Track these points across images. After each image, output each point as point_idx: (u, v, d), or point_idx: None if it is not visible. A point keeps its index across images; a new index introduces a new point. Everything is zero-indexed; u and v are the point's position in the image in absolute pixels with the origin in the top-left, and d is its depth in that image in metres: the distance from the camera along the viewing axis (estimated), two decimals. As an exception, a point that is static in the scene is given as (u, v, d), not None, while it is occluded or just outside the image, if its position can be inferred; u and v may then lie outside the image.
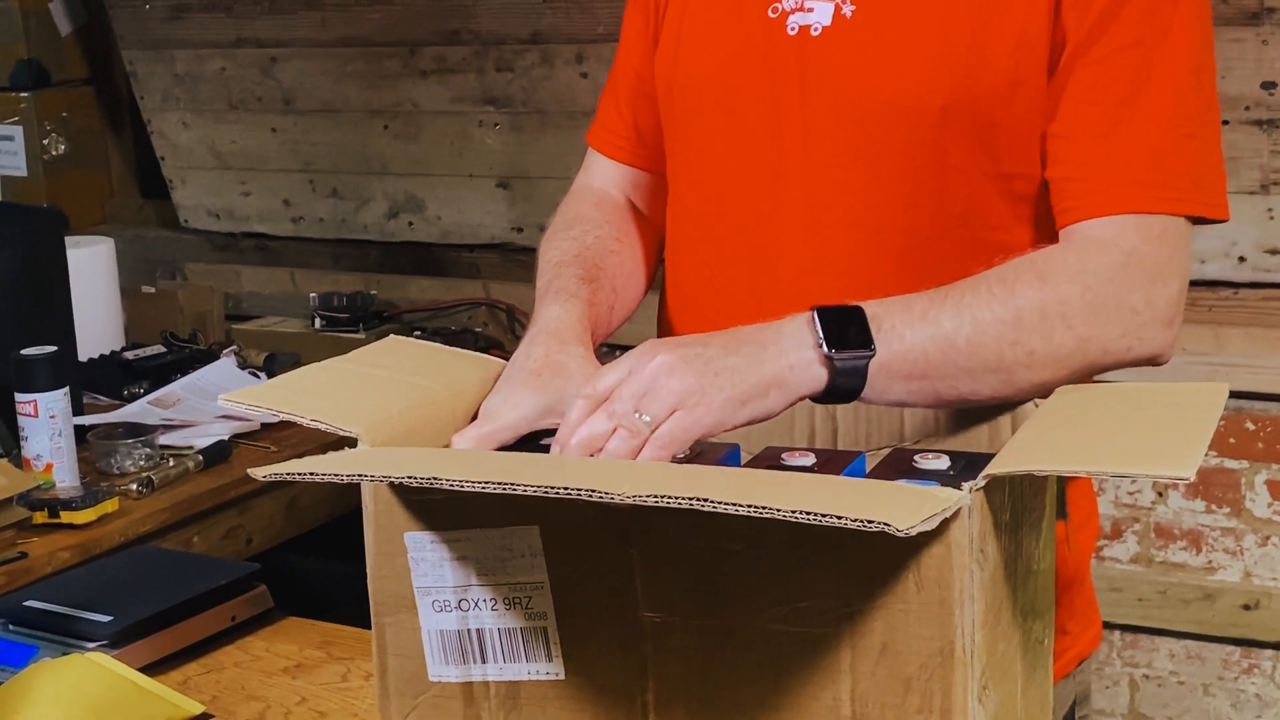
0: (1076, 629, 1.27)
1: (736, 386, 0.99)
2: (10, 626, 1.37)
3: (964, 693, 0.86)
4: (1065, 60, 1.11)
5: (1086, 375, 1.08)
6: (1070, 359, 1.06)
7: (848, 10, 1.16)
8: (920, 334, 1.03)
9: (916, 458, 0.99)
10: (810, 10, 1.18)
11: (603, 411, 0.98)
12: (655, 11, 1.32)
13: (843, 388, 1.01)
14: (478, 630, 0.98)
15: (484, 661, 0.98)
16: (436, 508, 0.97)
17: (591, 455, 0.98)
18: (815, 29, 1.17)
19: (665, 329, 1.32)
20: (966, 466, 0.97)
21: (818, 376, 1.01)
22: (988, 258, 1.10)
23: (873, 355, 1.01)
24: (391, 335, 1.22)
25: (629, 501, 0.81)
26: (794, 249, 1.18)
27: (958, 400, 1.06)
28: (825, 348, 1.00)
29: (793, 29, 1.18)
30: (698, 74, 1.25)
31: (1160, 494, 2.41)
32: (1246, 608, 2.39)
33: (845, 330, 1.01)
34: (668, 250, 1.32)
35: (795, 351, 1.00)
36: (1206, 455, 2.32)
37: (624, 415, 0.97)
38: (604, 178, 1.38)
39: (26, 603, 1.39)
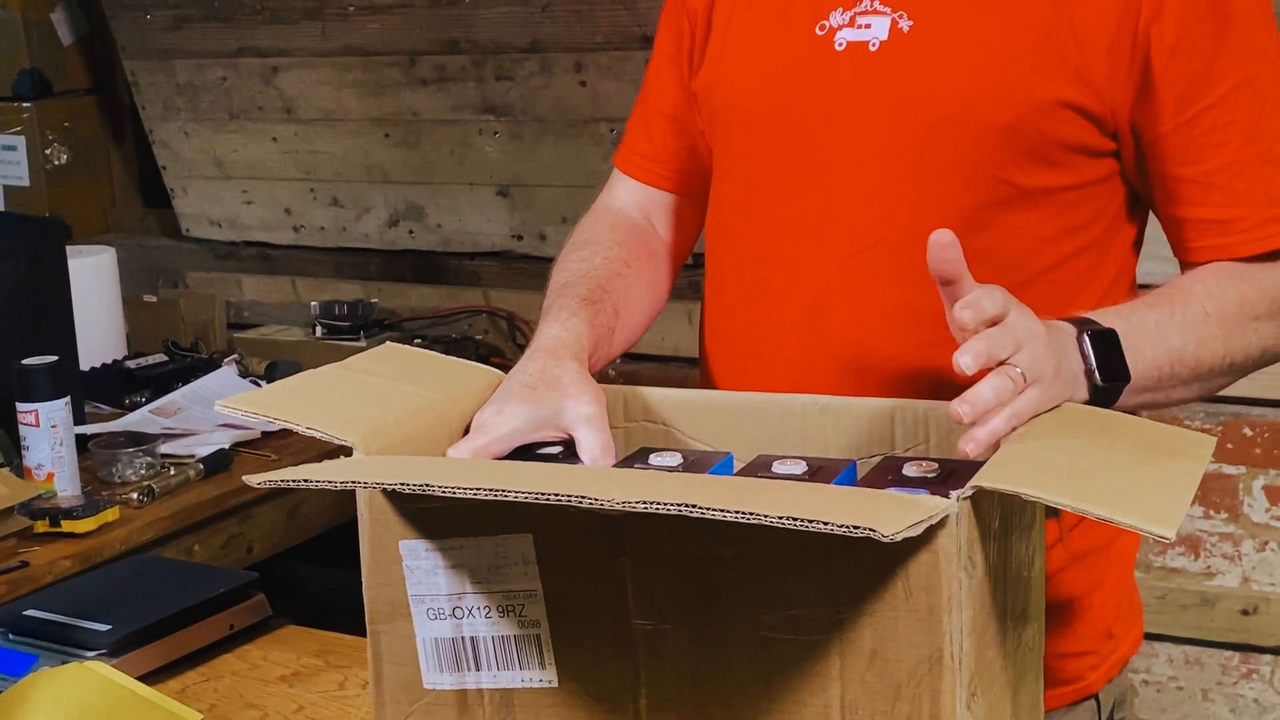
0: (1120, 632, 1.29)
1: (1068, 379, 1.03)
2: (10, 635, 1.38)
3: (952, 699, 0.87)
4: (1175, 105, 1.14)
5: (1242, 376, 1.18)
6: (1249, 364, 1.16)
7: (905, 25, 1.17)
8: (1157, 351, 1.10)
9: (907, 466, 1.00)
10: (865, 27, 1.19)
11: (1002, 375, 0.96)
12: (690, 35, 1.33)
13: (1095, 402, 1.06)
14: (472, 638, 0.98)
15: (478, 669, 0.99)
16: (431, 516, 0.98)
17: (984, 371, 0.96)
18: (873, 44, 1.18)
19: (710, 341, 1.33)
20: (956, 475, 0.97)
21: (1081, 395, 1.05)
22: (1035, 272, 1.17)
23: (1128, 382, 1.07)
24: (388, 342, 1.23)
25: (619, 507, 0.81)
26: (847, 262, 1.19)
27: (1158, 408, 1.14)
28: (1097, 375, 1.05)
29: (841, 45, 1.19)
30: (743, 92, 1.26)
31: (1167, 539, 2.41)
32: (1245, 613, 2.39)
33: (1109, 357, 1.06)
34: (709, 264, 1.33)
35: (1075, 367, 1.05)
36: (1204, 461, 2.33)
37: (1008, 364, 0.97)
38: (626, 198, 1.39)
39: (26, 612, 1.39)
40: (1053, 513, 1.05)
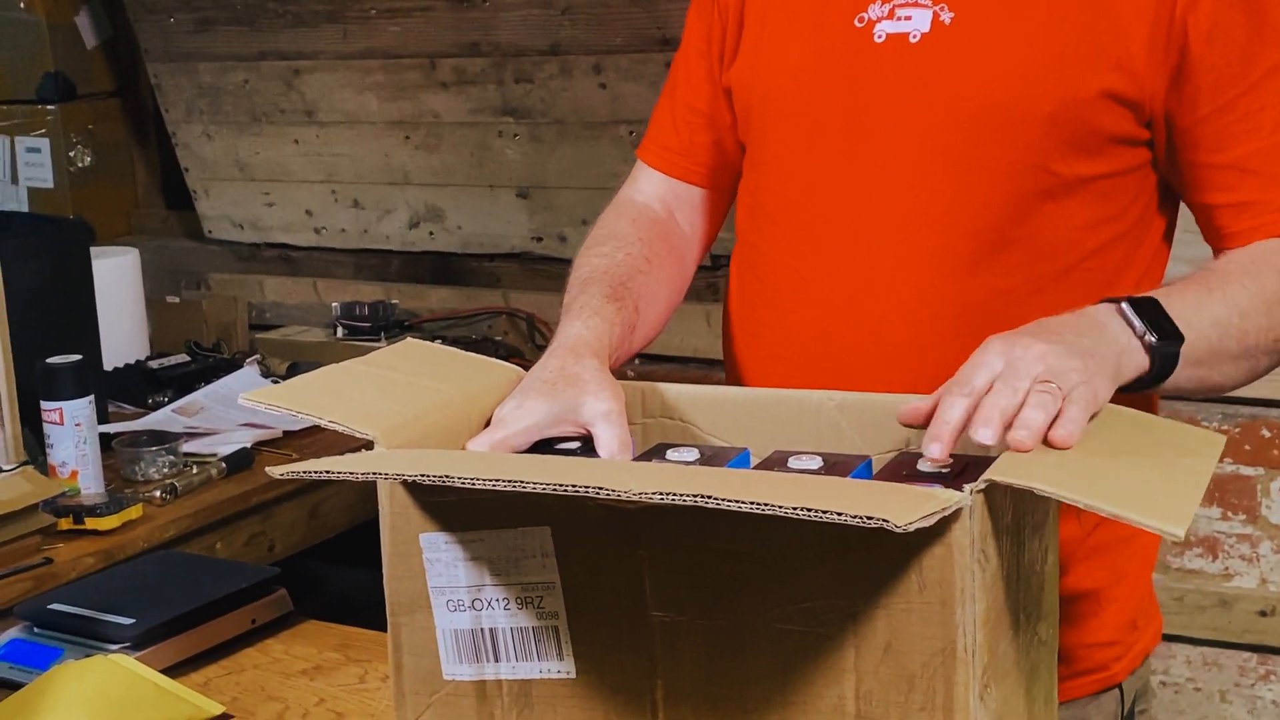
0: (1144, 623, 1.31)
1: (1109, 361, 1.03)
2: (35, 629, 1.40)
3: (965, 691, 0.88)
4: (1209, 92, 1.16)
5: None
6: None
7: (946, 17, 1.18)
8: (1202, 321, 1.10)
9: (921, 461, 1.00)
10: (905, 19, 1.20)
11: (1005, 387, 0.96)
12: (721, 30, 1.34)
13: (1156, 375, 1.07)
14: (491, 630, 1.00)
15: (497, 660, 1.00)
16: (451, 509, 0.99)
17: (1008, 425, 0.95)
18: (914, 36, 1.19)
19: (739, 333, 1.33)
20: (970, 470, 0.98)
21: (1140, 362, 1.06)
22: (1072, 260, 1.18)
23: (1183, 342, 1.07)
24: (409, 338, 1.24)
25: (635, 498, 0.82)
26: (886, 253, 1.20)
27: (1213, 389, 1.14)
28: (1149, 336, 1.06)
29: (880, 37, 1.20)
30: (779, 86, 1.27)
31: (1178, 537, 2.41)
32: (1263, 614, 2.39)
33: (1157, 320, 1.07)
34: (742, 255, 1.33)
35: (1124, 338, 1.06)
36: (1222, 463, 2.33)
37: (1035, 388, 0.96)
38: (649, 191, 1.40)
39: (51, 606, 1.41)
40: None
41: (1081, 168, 1.17)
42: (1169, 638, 2.45)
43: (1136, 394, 1.08)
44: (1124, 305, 1.07)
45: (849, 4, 1.23)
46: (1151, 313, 1.07)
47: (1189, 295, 1.11)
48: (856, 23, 1.22)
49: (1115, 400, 1.04)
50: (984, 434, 0.94)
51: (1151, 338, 1.06)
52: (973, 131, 1.17)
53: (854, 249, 1.22)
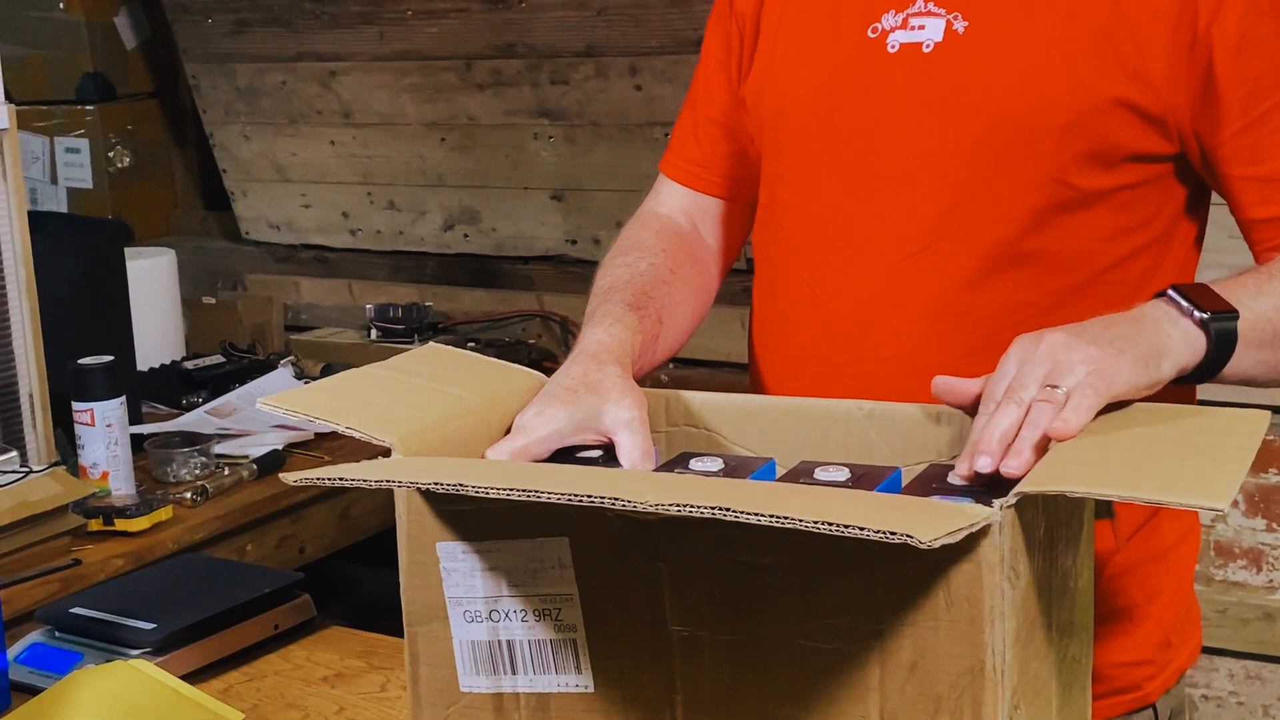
0: (1178, 641, 1.28)
1: (1137, 347, 1.00)
2: (56, 633, 1.39)
3: (994, 712, 0.85)
4: (1241, 104, 1.13)
5: None
6: None
7: (959, 27, 1.16)
8: (1264, 304, 1.07)
9: (952, 474, 0.98)
10: (918, 28, 1.18)
11: (1009, 402, 0.96)
12: (739, 40, 1.32)
13: (1218, 355, 1.04)
14: (508, 641, 0.98)
15: (514, 672, 0.98)
16: (468, 518, 0.97)
17: (1011, 444, 0.95)
18: (927, 45, 1.17)
19: (759, 345, 1.32)
20: (1002, 484, 0.95)
21: (1196, 341, 1.03)
22: (1093, 272, 1.15)
23: (1239, 316, 1.04)
24: (431, 343, 1.23)
25: (652, 509, 0.80)
26: (899, 266, 1.18)
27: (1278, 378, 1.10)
28: (1198, 313, 1.03)
29: (893, 47, 1.18)
30: (794, 97, 1.25)
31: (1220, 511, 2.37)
32: (1308, 628, 2.34)
33: (1206, 299, 1.04)
34: (758, 271, 1.32)
35: (1170, 323, 1.03)
36: (1267, 473, 2.28)
37: (1038, 396, 0.96)
38: (672, 203, 1.38)
39: (72, 610, 1.40)
40: (1106, 512, 1.03)
41: (1099, 180, 1.14)
42: (1211, 650, 2.41)
43: (1193, 384, 1.05)
44: (1170, 291, 1.04)
45: (862, 14, 1.21)
46: (1199, 293, 1.05)
47: (1247, 280, 1.09)
48: (870, 33, 1.20)
49: (1176, 392, 1.02)
50: (983, 463, 0.95)
51: (1202, 314, 1.03)
52: (985, 143, 1.14)
53: (867, 264, 1.20)
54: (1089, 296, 1.15)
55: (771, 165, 1.29)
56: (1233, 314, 1.04)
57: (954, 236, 1.16)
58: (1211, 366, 1.04)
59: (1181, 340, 1.02)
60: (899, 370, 1.17)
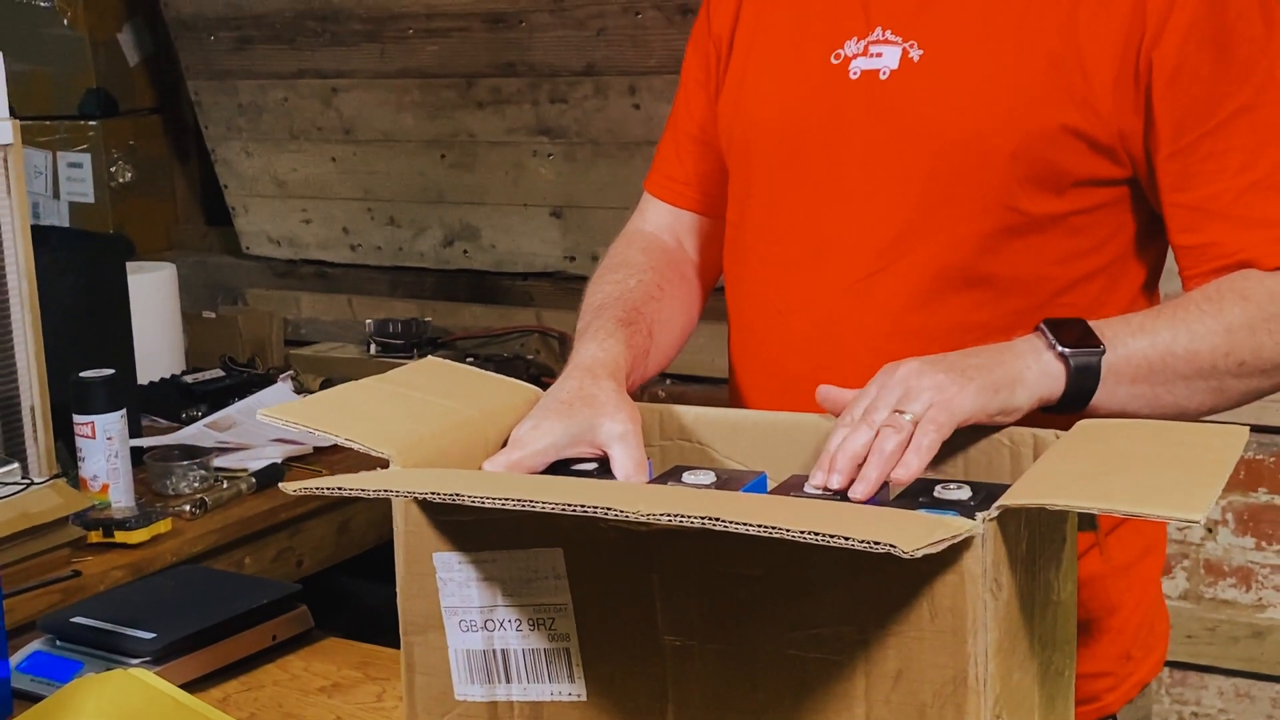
0: (1140, 654, 1.29)
1: (987, 376, 1.04)
2: (57, 642, 1.40)
3: (977, 720, 0.87)
4: (1173, 131, 1.14)
5: None
6: (1271, 368, 1.14)
7: (915, 55, 1.19)
8: (1141, 342, 1.11)
9: (938, 488, 1.00)
10: (876, 56, 1.20)
11: (862, 423, 1.02)
12: (715, 60, 1.35)
13: (1080, 388, 1.07)
14: (502, 650, 0.99)
15: (509, 681, 1.00)
16: (464, 529, 0.99)
17: (860, 465, 1.01)
18: (883, 73, 1.20)
19: (734, 360, 1.35)
20: (987, 498, 0.97)
21: (1056, 373, 1.07)
22: (1045, 296, 1.17)
23: (1103, 352, 1.08)
24: (429, 356, 1.25)
25: (644, 519, 0.82)
26: (856, 286, 1.21)
27: (1174, 409, 1.12)
28: (1059, 348, 1.07)
29: (855, 74, 1.21)
30: (761, 119, 1.27)
31: (1210, 530, 2.39)
32: (1298, 646, 2.36)
33: (1074, 334, 1.08)
34: (728, 287, 1.34)
35: (1032, 355, 1.07)
36: (1256, 492, 2.30)
37: (885, 420, 1.01)
38: (657, 222, 1.41)
39: (72, 619, 1.42)
40: (1089, 525, 1.05)
41: (1049, 205, 1.17)
42: (1201, 668, 2.42)
43: (1070, 414, 1.08)
44: (1041, 324, 1.09)
45: (827, 40, 1.23)
46: (1070, 330, 1.08)
47: (1133, 319, 1.13)
48: (833, 59, 1.23)
49: (1044, 419, 1.06)
50: (834, 480, 1.01)
51: (1063, 348, 1.07)
52: (936, 168, 1.17)
53: (825, 283, 1.22)
54: (1043, 318, 1.16)
55: (739, 185, 1.31)
56: (1098, 349, 1.08)
57: (909, 258, 1.18)
58: (1077, 398, 1.08)
59: (1040, 372, 1.06)
60: (858, 385, 1.19)
